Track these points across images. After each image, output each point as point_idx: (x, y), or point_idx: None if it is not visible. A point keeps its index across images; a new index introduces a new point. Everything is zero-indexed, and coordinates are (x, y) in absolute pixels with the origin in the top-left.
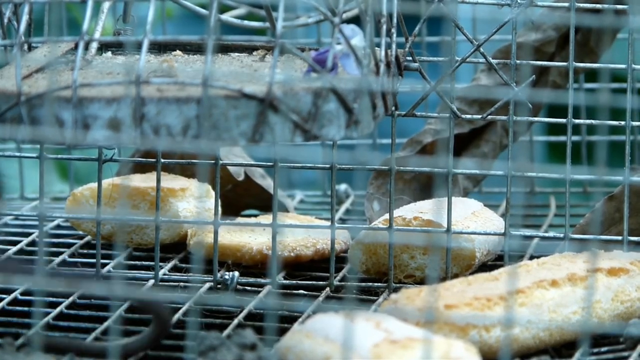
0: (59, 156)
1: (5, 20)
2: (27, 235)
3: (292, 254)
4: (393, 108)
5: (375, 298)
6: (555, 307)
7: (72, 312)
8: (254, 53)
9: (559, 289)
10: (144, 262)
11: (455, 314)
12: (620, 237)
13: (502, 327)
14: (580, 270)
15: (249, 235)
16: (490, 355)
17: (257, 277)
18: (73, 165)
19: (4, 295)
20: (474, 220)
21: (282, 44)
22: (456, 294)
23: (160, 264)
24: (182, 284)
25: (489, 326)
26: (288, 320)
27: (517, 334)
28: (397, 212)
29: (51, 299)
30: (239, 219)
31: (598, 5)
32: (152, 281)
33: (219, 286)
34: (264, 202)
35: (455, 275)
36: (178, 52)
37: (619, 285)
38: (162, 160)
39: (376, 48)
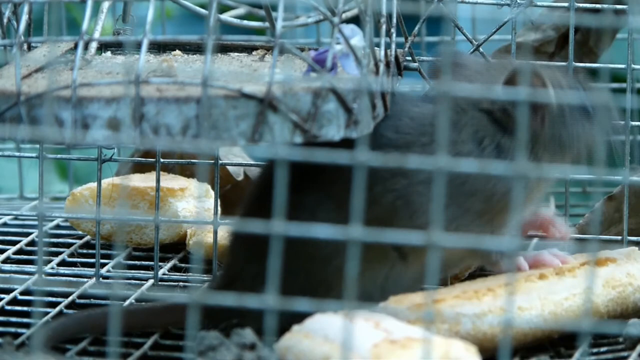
0: (59, 156)
1: (5, 20)
2: (27, 235)
3: None
4: None
5: None
6: (545, 295)
7: (71, 311)
8: (254, 53)
9: (547, 281)
10: (143, 262)
11: (445, 307)
12: (619, 237)
13: (501, 329)
14: (567, 265)
15: None
16: (486, 343)
17: None
18: (72, 165)
19: (3, 295)
20: None
21: (282, 43)
22: (443, 290)
23: (160, 263)
24: (181, 283)
25: (480, 314)
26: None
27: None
28: None
29: (51, 298)
30: None
31: (597, 5)
32: (151, 281)
33: None
34: None
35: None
36: (177, 51)
37: (607, 272)
38: (162, 160)
39: (375, 48)
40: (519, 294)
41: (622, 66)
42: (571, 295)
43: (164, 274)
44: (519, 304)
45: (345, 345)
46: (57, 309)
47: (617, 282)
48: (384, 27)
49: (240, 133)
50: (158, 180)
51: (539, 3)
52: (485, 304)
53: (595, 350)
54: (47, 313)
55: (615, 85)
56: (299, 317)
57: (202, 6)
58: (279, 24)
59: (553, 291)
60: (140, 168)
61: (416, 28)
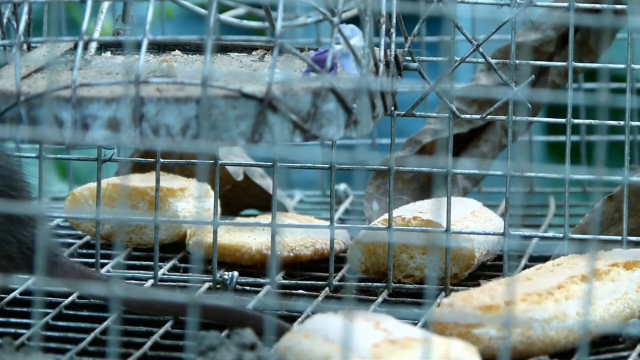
0: (58, 156)
1: (5, 20)
2: None
3: (291, 254)
4: (392, 108)
5: (374, 298)
6: (592, 300)
7: (71, 312)
8: (253, 53)
9: (589, 285)
10: (143, 262)
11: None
12: (619, 237)
13: (501, 328)
14: (601, 266)
15: (248, 235)
16: (552, 348)
17: (257, 277)
18: (72, 165)
19: (3, 295)
20: (473, 220)
21: (281, 43)
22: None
23: (160, 263)
24: (181, 283)
25: (547, 319)
26: (287, 320)
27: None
28: (396, 212)
29: (50, 298)
30: (238, 219)
31: (597, 5)
32: (151, 281)
33: (218, 286)
34: (263, 202)
35: (455, 275)
36: (177, 52)
37: (638, 277)
38: (162, 160)
39: (375, 48)
40: (574, 298)
41: (622, 66)
42: (614, 300)
43: (163, 274)
44: (577, 310)
45: (345, 345)
46: (57, 309)
47: None
48: (383, 27)
49: (240, 133)
50: (158, 180)
51: (539, 3)
52: (552, 310)
53: (595, 350)
54: (47, 313)
55: (615, 85)
56: None
57: (202, 6)
58: (279, 24)
59: (599, 296)
60: (140, 168)
61: (416, 28)
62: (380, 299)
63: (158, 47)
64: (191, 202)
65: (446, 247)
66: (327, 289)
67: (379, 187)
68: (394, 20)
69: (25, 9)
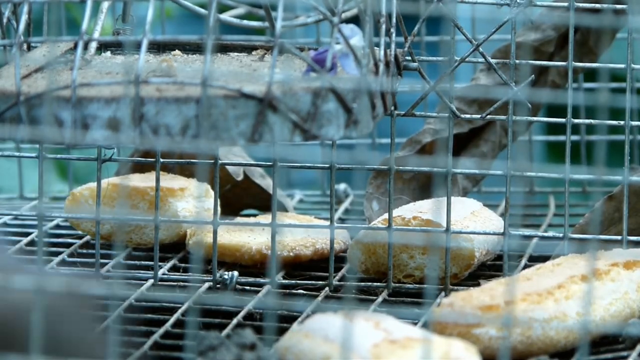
0: (58, 156)
1: (5, 20)
2: (26, 235)
3: (291, 254)
4: (392, 108)
5: (374, 298)
6: (592, 300)
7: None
8: (253, 53)
9: (589, 285)
10: (143, 262)
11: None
12: (619, 237)
13: (501, 328)
14: (601, 266)
15: (248, 235)
16: (552, 348)
17: (256, 276)
18: (72, 165)
19: None
20: (473, 220)
21: (281, 43)
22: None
23: (160, 263)
24: (181, 283)
25: (547, 319)
26: (287, 320)
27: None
28: (396, 212)
29: None
30: (238, 219)
31: (597, 5)
32: (151, 281)
33: (218, 286)
34: (263, 202)
35: (455, 275)
36: (177, 51)
37: (638, 276)
38: (161, 160)
39: (375, 48)
40: (574, 298)
41: (622, 66)
42: (614, 300)
43: (163, 274)
44: (577, 310)
45: (345, 345)
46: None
47: None
48: (383, 26)
49: (240, 133)
50: (158, 180)
51: (538, 3)
52: (552, 310)
53: (594, 350)
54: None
55: (615, 85)
56: None
57: (202, 6)
58: (279, 24)
59: (599, 296)
60: (140, 168)
61: (416, 28)
62: (380, 299)
63: (158, 47)
64: (191, 202)
65: (446, 247)
66: (327, 289)
67: (379, 187)
68: (394, 20)
69: (25, 8)
